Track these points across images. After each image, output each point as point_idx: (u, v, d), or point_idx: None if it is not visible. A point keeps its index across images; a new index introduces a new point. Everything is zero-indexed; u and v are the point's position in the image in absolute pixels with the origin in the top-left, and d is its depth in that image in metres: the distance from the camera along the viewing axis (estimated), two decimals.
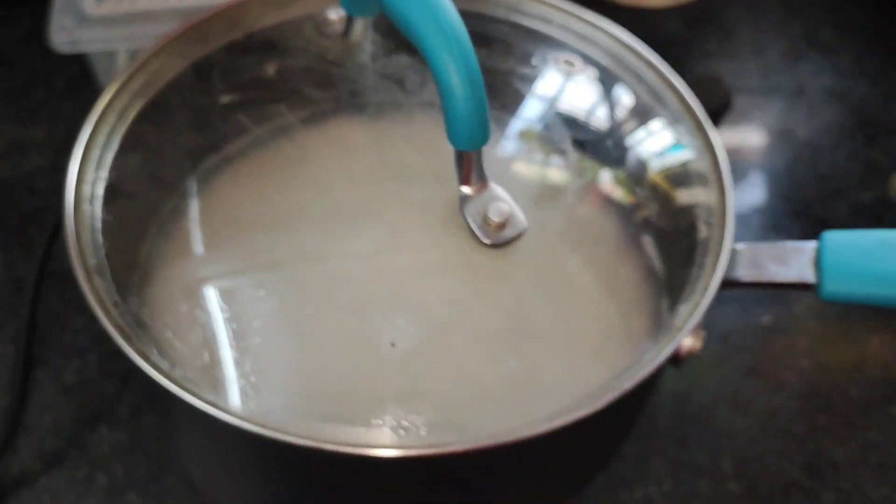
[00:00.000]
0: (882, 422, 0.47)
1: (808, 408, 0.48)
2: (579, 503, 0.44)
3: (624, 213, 0.32)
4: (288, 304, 0.30)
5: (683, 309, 0.29)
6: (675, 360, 0.32)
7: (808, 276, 0.30)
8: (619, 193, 0.32)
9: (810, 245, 0.31)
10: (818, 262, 0.30)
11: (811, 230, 0.46)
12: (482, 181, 0.28)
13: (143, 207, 0.33)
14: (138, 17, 0.54)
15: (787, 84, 0.66)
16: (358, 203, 0.32)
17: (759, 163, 0.61)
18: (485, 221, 0.28)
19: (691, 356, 0.32)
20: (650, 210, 0.32)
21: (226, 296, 0.30)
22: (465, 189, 0.28)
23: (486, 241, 0.28)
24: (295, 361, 0.29)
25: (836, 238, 0.30)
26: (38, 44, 0.61)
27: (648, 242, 0.32)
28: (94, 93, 0.49)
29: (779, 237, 0.55)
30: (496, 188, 0.29)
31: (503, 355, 0.28)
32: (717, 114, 0.59)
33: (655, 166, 0.33)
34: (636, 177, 0.33)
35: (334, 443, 0.25)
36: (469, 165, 0.28)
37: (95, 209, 0.30)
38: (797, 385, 0.49)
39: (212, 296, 0.31)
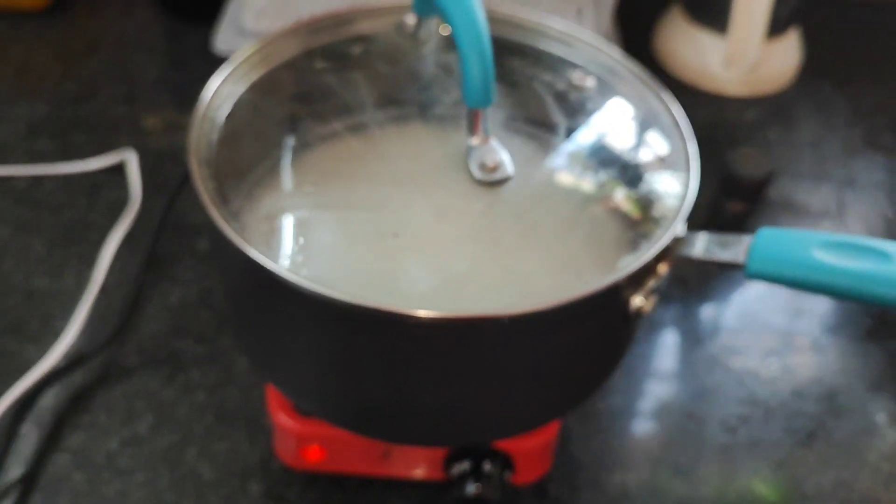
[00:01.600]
0: None
1: None
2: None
3: (601, 188, 0.40)
4: (340, 227, 0.39)
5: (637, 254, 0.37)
6: (627, 315, 0.40)
7: (740, 258, 0.37)
8: (598, 175, 0.40)
9: (748, 237, 0.38)
10: (750, 249, 0.37)
11: None
12: (485, 136, 0.38)
13: (250, 152, 0.43)
14: None
15: (840, 175, 0.73)
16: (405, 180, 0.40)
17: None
18: (482, 166, 0.37)
19: (641, 315, 0.40)
20: (623, 190, 0.40)
21: (299, 222, 0.40)
22: (472, 140, 0.38)
23: (479, 178, 0.37)
24: (339, 258, 0.37)
25: (767, 232, 0.38)
26: (203, 53, 0.76)
27: (618, 211, 0.40)
28: None
29: None
30: (495, 143, 0.38)
31: (491, 259, 0.36)
32: (759, 185, 0.66)
33: (634, 159, 0.41)
34: (616, 165, 0.41)
35: (384, 306, 0.33)
36: (476, 121, 0.37)
37: (215, 126, 0.40)
38: None
39: (289, 218, 0.40)
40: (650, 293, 0.39)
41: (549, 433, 0.46)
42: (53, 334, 0.56)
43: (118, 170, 0.67)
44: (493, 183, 0.38)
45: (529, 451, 0.46)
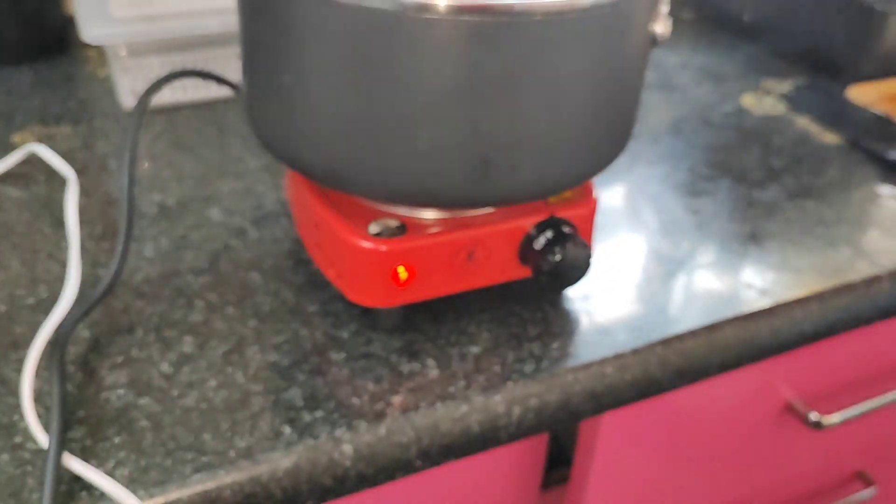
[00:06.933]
0: None
1: None
2: None
3: None
4: None
5: None
6: (653, 37, 0.47)
7: None
8: None
9: None
10: None
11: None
12: None
13: None
14: (150, 19, 0.68)
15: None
16: None
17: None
18: None
19: (659, 40, 0.47)
20: None
21: None
22: None
23: None
24: None
25: None
26: (68, 82, 0.73)
27: None
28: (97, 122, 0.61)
29: None
30: None
31: None
32: None
33: None
34: None
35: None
36: None
37: None
38: None
39: None
40: (664, 18, 0.47)
41: (593, 200, 0.51)
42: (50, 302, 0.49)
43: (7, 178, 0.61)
44: None
45: (587, 216, 0.50)
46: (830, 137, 0.72)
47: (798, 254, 0.58)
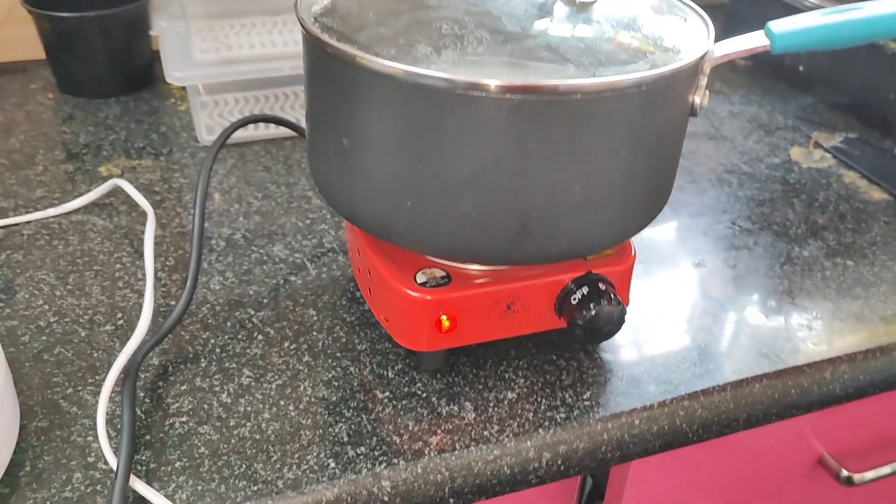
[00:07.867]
0: None
1: None
2: None
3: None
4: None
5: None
6: (692, 107, 0.49)
7: (764, 42, 0.49)
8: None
9: (755, 32, 0.50)
10: (768, 34, 0.49)
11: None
12: None
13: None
14: (228, 62, 0.73)
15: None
16: None
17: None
18: None
19: (698, 109, 0.50)
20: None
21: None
22: None
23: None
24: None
25: (771, 23, 0.50)
26: (128, 114, 0.79)
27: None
28: (175, 155, 0.66)
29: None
30: None
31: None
32: None
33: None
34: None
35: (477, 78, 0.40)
36: None
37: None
38: None
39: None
40: (703, 90, 0.49)
41: (631, 258, 0.53)
42: (125, 329, 0.54)
43: (92, 207, 0.66)
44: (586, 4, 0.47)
45: (624, 273, 0.53)
46: (878, 194, 0.73)
47: (833, 313, 0.59)
